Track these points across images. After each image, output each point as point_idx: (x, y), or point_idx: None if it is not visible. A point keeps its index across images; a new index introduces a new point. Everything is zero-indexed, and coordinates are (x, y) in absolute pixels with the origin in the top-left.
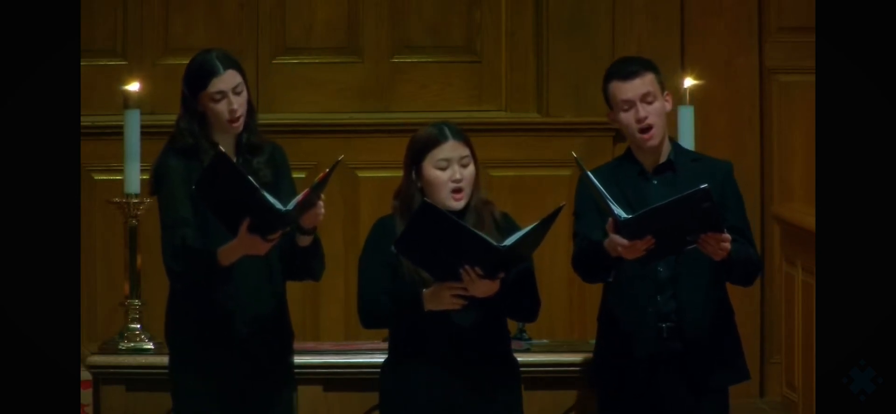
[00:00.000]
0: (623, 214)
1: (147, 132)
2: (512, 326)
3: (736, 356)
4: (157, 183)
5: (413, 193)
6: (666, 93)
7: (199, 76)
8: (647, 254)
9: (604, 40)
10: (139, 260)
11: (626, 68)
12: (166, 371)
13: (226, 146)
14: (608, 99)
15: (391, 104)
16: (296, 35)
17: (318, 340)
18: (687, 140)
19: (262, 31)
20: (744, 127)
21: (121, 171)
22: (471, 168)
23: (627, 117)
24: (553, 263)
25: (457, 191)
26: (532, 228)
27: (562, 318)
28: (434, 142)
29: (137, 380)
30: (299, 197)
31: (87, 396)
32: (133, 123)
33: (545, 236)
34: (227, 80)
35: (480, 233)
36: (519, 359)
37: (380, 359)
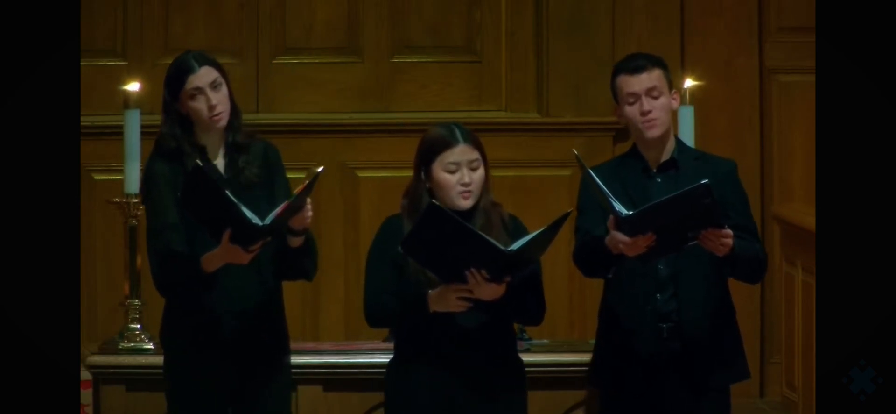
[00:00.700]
0: (624, 211)
1: (147, 132)
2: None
3: (736, 355)
4: (144, 189)
5: (421, 194)
6: (674, 91)
7: (176, 76)
8: (649, 251)
9: (604, 40)
10: (139, 260)
11: (634, 63)
12: None
13: (212, 146)
14: (615, 93)
15: (391, 104)
16: (296, 35)
17: (318, 340)
18: (687, 140)
19: (262, 31)
20: (744, 127)
21: (121, 171)
22: (480, 172)
23: (632, 111)
24: (554, 263)
25: (465, 193)
26: (539, 233)
27: (562, 318)
28: (444, 144)
29: (137, 380)
30: (278, 210)
31: (87, 396)
32: (133, 123)
33: (552, 242)
34: (203, 76)
35: (486, 236)
36: None
37: (380, 359)
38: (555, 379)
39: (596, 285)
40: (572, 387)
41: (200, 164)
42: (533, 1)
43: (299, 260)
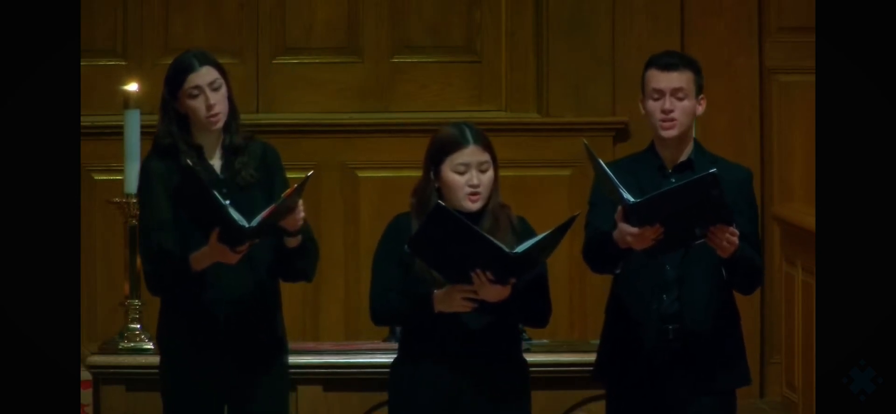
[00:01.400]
0: (631, 199)
1: (147, 132)
2: None
3: (737, 359)
4: (140, 187)
5: (430, 193)
6: (701, 96)
7: (176, 74)
8: (656, 244)
9: (604, 40)
10: (139, 260)
11: (667, 59)
12: None
13: (209, 147)
14: (643, 84)
15: (391, 104)
16: (296, 35)
17: (318, 340)
18: None
19: (262, 31)
20: (744, 127)
21: (121, 171)
22: (490, 174)
23: (654, 106)
24: (554, 264)
25: (473, 194)
26: (545, 236)
27: (562, 318)
28: (455, 145)
29: (137, 380)
30: (264, 212)
31: (87, 396)
32: (133, 123)
33: (558, 245)
34: (203, 75)
35: (492, 238)
36: None
37: (380, 359)
38: (555, 379)
39: (596, 285)
40: (572, 387)
41: (191, 164)
42: (533, 1)
43: (296, 261)
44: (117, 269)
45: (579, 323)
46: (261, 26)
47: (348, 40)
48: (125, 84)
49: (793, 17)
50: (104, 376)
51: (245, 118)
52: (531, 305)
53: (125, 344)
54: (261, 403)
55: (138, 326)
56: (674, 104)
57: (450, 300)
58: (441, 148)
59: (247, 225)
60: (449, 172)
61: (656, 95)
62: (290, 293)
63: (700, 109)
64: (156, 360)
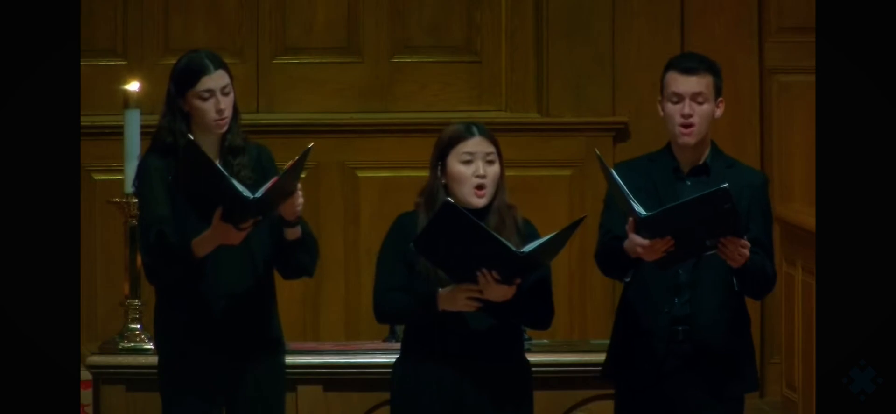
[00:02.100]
0: (643, 212)
1: (147, 132)
2: None
3: (745, 365)
4: (138, 183)
5: (437, 190)
6: (720, 99)
7: (188, 74)
8: (667, 256)
9: (604, 40)
10: (139, 260)
11: (687, 63)
12: None
13: (208, 147)
14: (662, 86)
15: (391, 104)
16: (296, 35)
17: (318, 340)
18: None
19: (262, 31)
20: (744, 127)
21: (121, 171)
22: (496, 167)
23: (673, 110)
24: (554, 264)
25: (480, 187)
26: (551, 237)
27: (562, 318)
28: (460, 137)
29: (137, 380)
30: (268, 184)
31: (87, 396)
32: (133, 123)
33: (564, 246)
34: (217, 79)
35: (500, 237)
36: None
37: (380, 359)
38: (555, 379)
39: (596, 286)
40: (573, 387)
41: (193, 138)
42: (533, 1)
43: (297, 254)
44: (117, 269)
45: (579, 323)
46: (261, 26)
47: (348, 40)
48: (125, 84)
49: (793, 17)
50: (104, 376)
51: (245, 118)
52: (534, 307)
53: (125, 344)
54: (258, 398)
55: (138, 326)
56: (693, 108)
57: (454, 299)
58: (447, 141)
59: (251, 196)
60: (455, 164)
61: (675, 99)
62: (291, 293)
63: (719, 112)
64: (155, 360)
